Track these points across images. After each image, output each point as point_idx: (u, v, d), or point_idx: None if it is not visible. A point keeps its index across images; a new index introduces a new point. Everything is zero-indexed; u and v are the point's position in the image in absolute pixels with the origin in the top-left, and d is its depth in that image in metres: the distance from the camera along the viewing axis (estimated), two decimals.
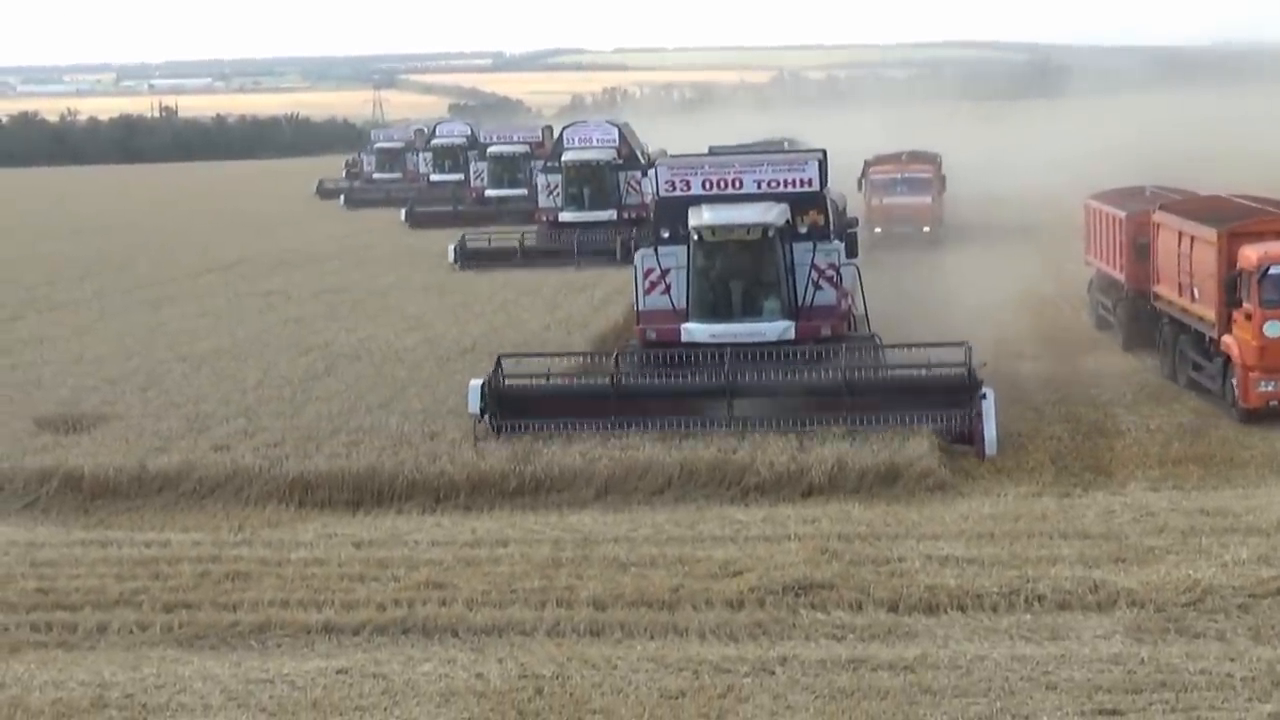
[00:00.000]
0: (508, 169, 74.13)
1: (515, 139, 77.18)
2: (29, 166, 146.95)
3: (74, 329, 42.72)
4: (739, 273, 28.31)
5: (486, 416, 26.16)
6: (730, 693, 16.40)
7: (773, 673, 16.91)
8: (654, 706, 16.08)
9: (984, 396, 25.35)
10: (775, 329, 27.80)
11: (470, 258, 55.56)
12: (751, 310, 28.18)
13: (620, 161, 57.40)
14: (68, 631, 18.92)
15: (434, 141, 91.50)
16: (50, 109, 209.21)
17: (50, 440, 27.68)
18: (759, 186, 28.48)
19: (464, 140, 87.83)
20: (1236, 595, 18.69)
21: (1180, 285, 30.81)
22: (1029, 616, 18.42)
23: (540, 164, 62.74)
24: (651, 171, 29.43)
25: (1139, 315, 34.25)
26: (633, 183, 56.52)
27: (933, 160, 60.93)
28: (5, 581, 20.86)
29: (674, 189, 28.67)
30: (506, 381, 26.72)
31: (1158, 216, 32.52)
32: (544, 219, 57.39)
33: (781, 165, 28.94)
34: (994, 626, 18.13)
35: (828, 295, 28.10)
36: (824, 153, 29.62)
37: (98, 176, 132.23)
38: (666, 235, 28.72)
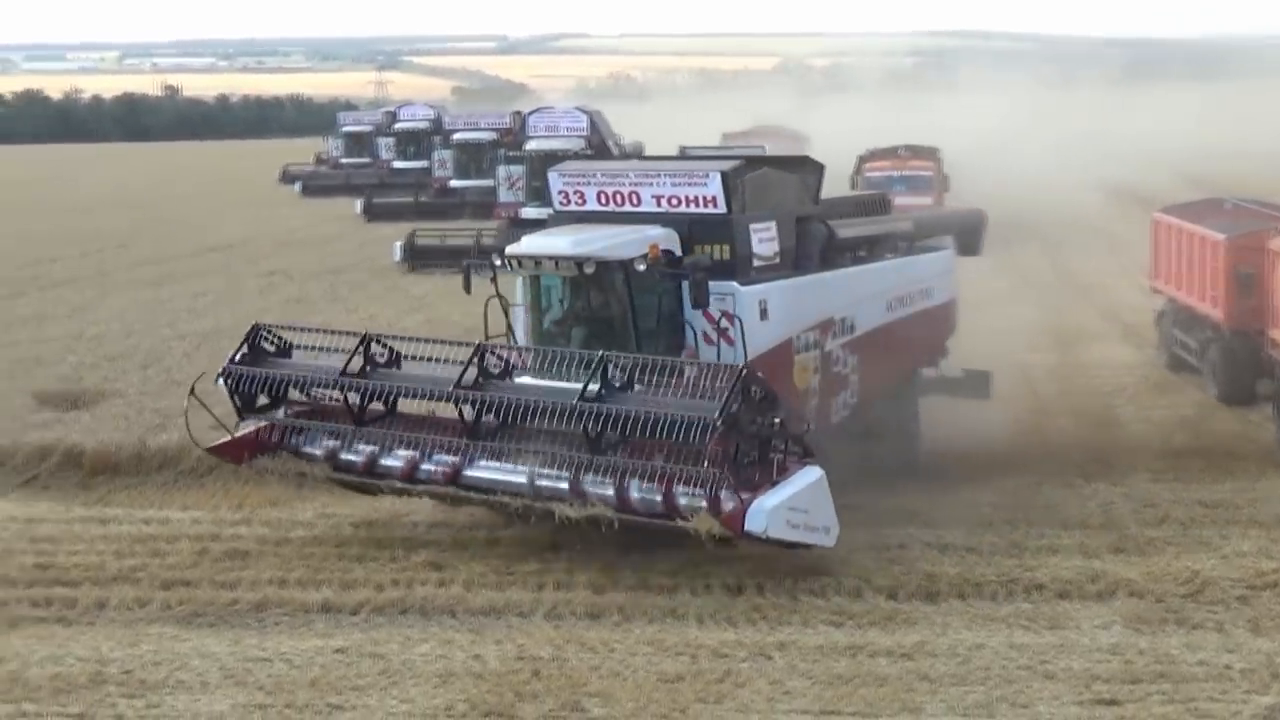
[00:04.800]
0: (474, 158, 68.22)
1: (482, 124, 72.48)
2: (32, 144, 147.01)
3: (75, 306, 42.75)
4: (581, 319, 21.56)
5: None
6: (728, 677, 16.40)
7: (770, 658, 16.91)
8: (651, 690, 16.07)
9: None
10: None
11: (420, 256, 50.17)
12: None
13: (590, 152, 52.20)
14: (67, 607, 18.90)
15: (396, 125, 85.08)
16: (54, 87, 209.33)
17: (50, 417, 27.69)
18: (658, 203, 21.75)
19: (428, 125, 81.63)
20: (1236, 587, 18.72)
21: None
22: (1028, 605, 18.41)
23: (503, 153, 57.74)
24: (551, 176, 22.79)
25: (1241, 361, 28.30)
26: None
27: (933, 155, 55.94)
28: (5, 557, 20.87)
29: (568, 202, 22.49)
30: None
31: (1277, 244, 26.59)
32: (504, 215, 52.38)
33: (681, 179, 21.74)
34: (993, 615, 18.12)
35: (715, 354, 20.75)
36: (761, 160, 23.61)
37: (100, 155, 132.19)
38: None
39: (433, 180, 72.06)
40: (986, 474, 23.70)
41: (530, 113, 58.87)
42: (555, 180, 22.61)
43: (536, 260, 21.10)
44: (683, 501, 18.64)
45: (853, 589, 18.90)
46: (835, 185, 52.39)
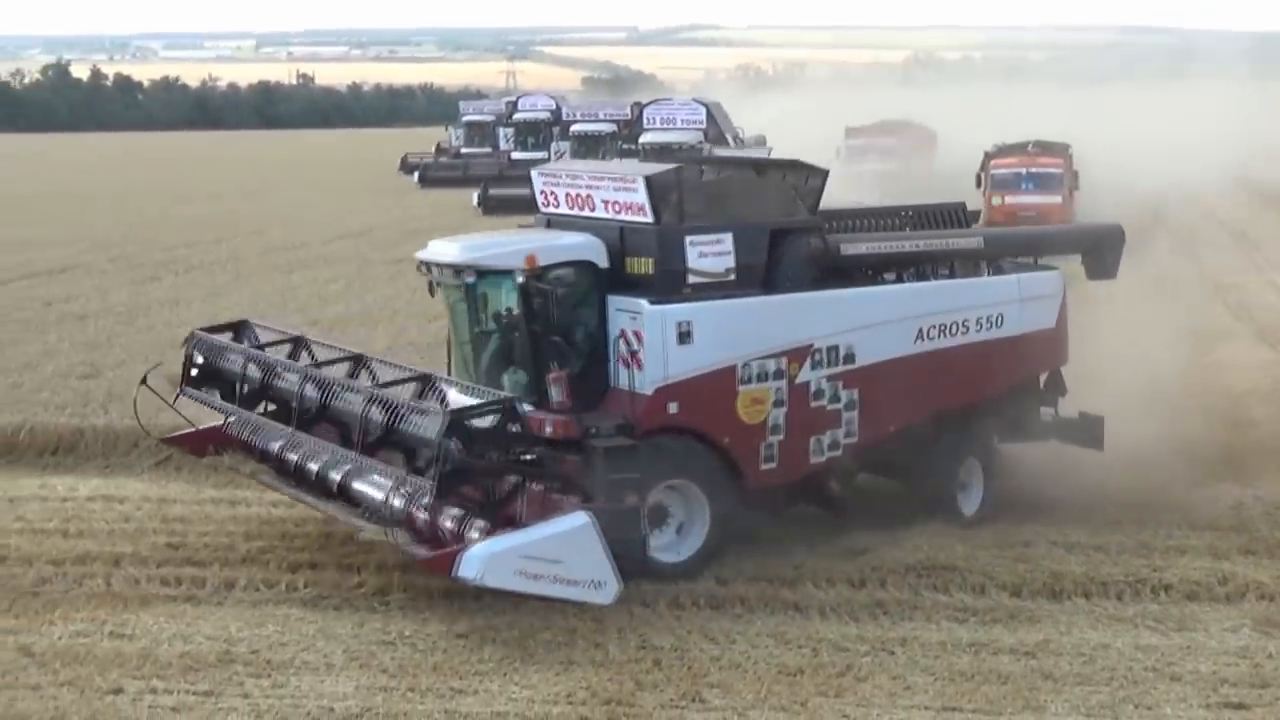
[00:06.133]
0: (592, 150, 66.28)
1: (601, 116, 70.95)
2: (170, 130, 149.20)
3: (209, 290, 43.32)
4: (492, 331, 20.30)
5: None
6: (849, 671, 16.36)
7: (892, 653, 16.85)
8: (772, 682, 16.06)
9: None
10: None
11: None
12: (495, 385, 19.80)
13: (706, 145, 51.19)
14: (196, 586, 19.19)
15: (515, 116, 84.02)
16: (191, 75, 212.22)
17: (183, 400, 28.04)
18: (606, 208, 20.21)
19: (547, 116, 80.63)
20: None
21: None
22: (1155, 606, 18.22)
23: (618, 145, 56.63)
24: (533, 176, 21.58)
25: None
26: None
27: (1063, 152, 54.50)
28: (137, 536, 21.22)
29: (546, 203, 21.18)
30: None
31: None
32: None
33: (618, 184, 20.04)
34: (1119, 615, 17.95)
35: (628, 378, 19.36)
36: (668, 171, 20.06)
37: (236, 142, 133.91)
38: None
39: None
40: (1114, 473, 23.42)
41: (647, 104, 57.47)
42: (536, 180, 21.39)
43: (428, 266, 20.27)
44: (447, 524, 17.93)
45: (976, 585, 18.78)
46: (963, 182, 51.96)
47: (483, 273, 19.60)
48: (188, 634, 17.46)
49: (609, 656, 16.81)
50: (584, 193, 20.47)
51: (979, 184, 52.22)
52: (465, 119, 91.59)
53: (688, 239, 19.53)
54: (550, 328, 19.32)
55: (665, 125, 54.16)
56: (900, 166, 60.54)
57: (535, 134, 79.93)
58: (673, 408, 19.18)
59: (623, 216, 19.83)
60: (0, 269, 48.53)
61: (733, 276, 19.81)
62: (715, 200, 20.21)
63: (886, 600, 18.39)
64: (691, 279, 19.57)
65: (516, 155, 78.58)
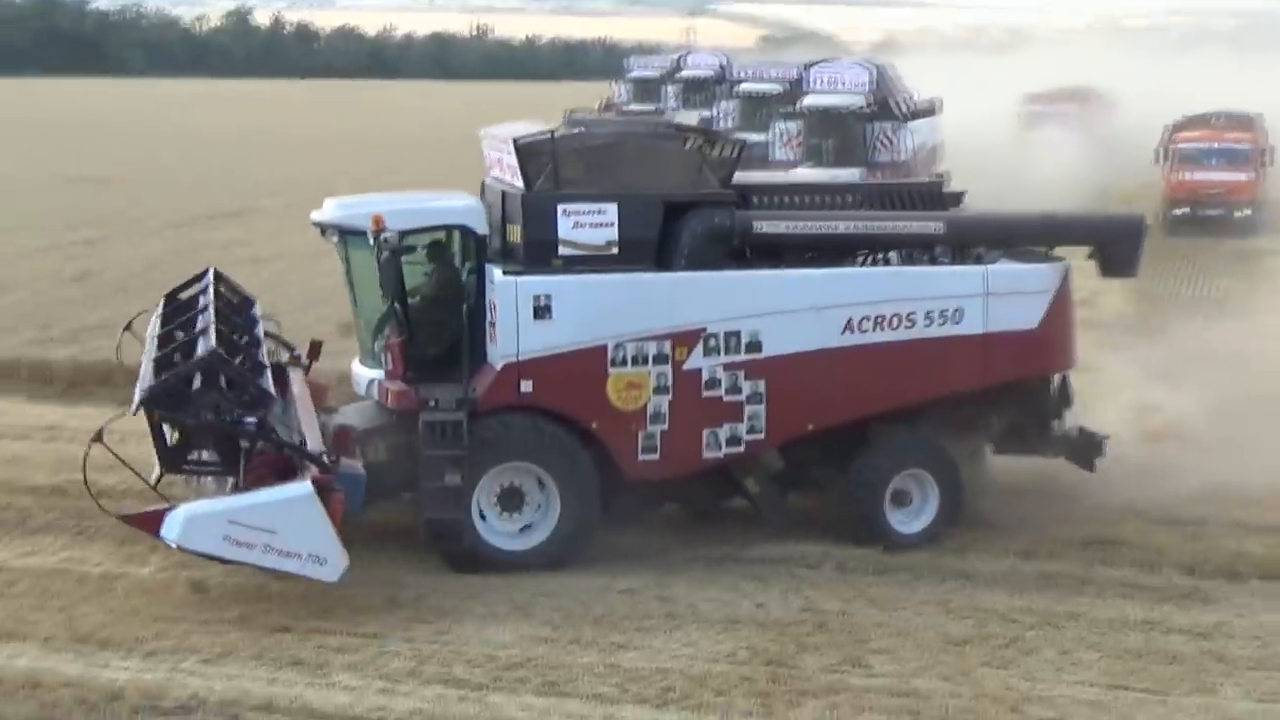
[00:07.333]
0: (758, 111, 61.60)
1: (770, 76, 65.96)
2: (347, 79, 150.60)
3: None
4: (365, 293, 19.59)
5: None
6: (1015, 644, 16.13)
7: (1060, 627, 16.58)
8: (937, 651, 15.88)
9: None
10: (364, 378, 19.55)
11: None
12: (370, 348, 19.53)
13: (872, 109, 48.70)
14: (370, 532, 19.13)
15: (681, 73, 79.13)
16: (369, 24, 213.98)
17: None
18: (501, 172, 19.51)
19: (713, 74, 75.88)
20: None
21: None
22: None
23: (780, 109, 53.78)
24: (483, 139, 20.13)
25: None
26: (885, 136, 47.77)
27: (1253, 125, 50.64)
28: None
29: (489, 168, 20.03)
30: None
31: None
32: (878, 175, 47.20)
33: (503, 148, 19.11)
34: None
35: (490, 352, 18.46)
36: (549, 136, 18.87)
37: (411, 91, 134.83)
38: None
39: None
40: None
41: (811, 65, 55.61)
42: (485, 145, 20.05)
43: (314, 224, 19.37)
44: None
45: (1148, 563, 18.40)
46: (1143, 154, 50.41)
47: (344, 233, 18.88)
48: (355, 577, 17.57)
49: (772, 617, 16.71)
50: (495, 156, 19.57)
51: (1157, 159, 49.77)
52: (631, 75, 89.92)
53: (560, 207, 18.31)
54: (395, 293, 18.33)
55: (829, 87, 51.72)
56: (1080, 135, 59.09)
57: (701, 92, 78.48)
58: (525, 386, 18.12)
59: (507, 181, 19.02)
60: (181, 211, 49.37)
61: (615, 251, 18.44)
62: (599, 168, 18.78)
63: (1055, 573, 18.07)
64: (564, 250, 18.35)
65: (681, 115, 75.71)
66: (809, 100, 50.68)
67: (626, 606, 16.98)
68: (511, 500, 18.29)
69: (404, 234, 18.22)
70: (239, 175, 61.06)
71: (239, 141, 78.37)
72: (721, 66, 77.15)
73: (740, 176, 19.55)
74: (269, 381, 17.96)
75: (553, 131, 18.85)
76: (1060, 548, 18.72)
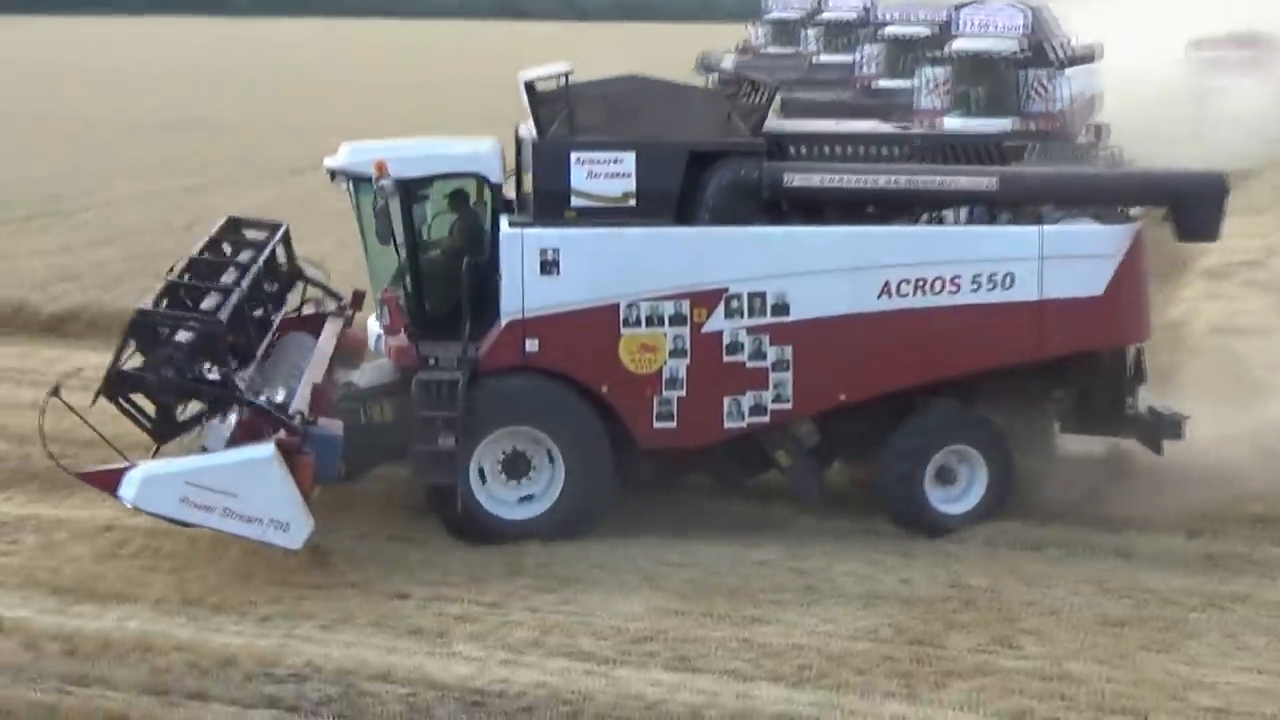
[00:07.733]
0: (905, 55, 58.57)
1: (917, 18, 62.78)
2: (474, 19, 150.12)
3: None
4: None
5: None
6: (1177, 626, 15.17)
7: (1226, 609, 15.60)
8: (1092, 632, 14.94)
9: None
10: (375, 334, 18.79)
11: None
12: None
13: (1026, 54, 45.95)
14: None
15: (822, 15, 76.11)
16: None
17: None
18: (527, 120, 18.52)
19: (857, 15, 73.12)
20: None
21: None
22: None
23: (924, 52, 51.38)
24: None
25: None
26: (1040, 84, 45.12)
27: None
28: None
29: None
30: None
31: None
32: (922, 123, 44.44)
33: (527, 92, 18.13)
34: None
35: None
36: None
37: (540, 33, 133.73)
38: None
39: (855, 78, 62.76)
40: None
41: (962, 6, 53.81)
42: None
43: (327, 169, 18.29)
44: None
45: None
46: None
47: (353, 179, 17.86)
48: (473, 543, 16.97)
49: (916, 593, 15.87)
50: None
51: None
52: (769, 16, 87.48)
53: (573, 155, 17.28)
54: (392, 242, 17.34)
55: (981, 30, 48.60)
56: (1260, 83, 56.29)
57: (844, 35, 76.39)
58: (530, 345, 17.14)
59: (525, 127, 18.12)
60: (301, 157, 48.71)
61: (633, 203, 17.35)
62: (618, 114, 17.71)
63: (1220, 553, 17.08)
64: (576, 201, 17.32)
65: (822, 58, 71.45)
66: (958, 44, 48.57)
67: (761, 579, 16.19)
68: (517, 467, 17.39)
69: (408, 181, 17.39)
70: (350, 121, 60.57)
71: (356, 84, 78.08)
72: (866, 8, 74.70)
73: (778, 124, 18.40)
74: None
75: (567, 73, 17.71)
76: (1226, 526, 17.70)
